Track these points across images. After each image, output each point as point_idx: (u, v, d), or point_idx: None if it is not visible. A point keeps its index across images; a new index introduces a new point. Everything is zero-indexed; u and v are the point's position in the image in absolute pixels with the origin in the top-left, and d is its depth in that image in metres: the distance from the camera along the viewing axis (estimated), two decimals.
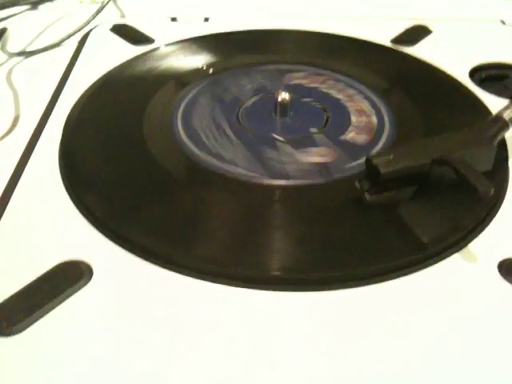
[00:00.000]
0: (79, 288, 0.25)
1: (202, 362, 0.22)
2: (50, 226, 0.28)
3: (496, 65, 0.42)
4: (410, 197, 0.29)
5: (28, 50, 0.48)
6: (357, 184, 0.29)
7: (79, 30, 0.48)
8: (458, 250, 0.27)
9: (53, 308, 0.24)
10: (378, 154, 0.29)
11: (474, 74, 0.41)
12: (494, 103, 0.37)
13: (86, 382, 0.22)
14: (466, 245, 0.27)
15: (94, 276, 0.26)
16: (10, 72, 0.45)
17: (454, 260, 0.27)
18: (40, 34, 0.50)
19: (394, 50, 0.44)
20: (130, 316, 0.24)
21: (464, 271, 0.26)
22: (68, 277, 0.25)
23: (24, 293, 0.24)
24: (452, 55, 0.43)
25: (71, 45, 0.47)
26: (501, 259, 0.26)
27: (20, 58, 0.46)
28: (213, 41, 0.45)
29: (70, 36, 0.48)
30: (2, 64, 0.46)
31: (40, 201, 0.30)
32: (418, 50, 0.44)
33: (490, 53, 0.43)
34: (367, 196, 0.29)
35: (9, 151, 0.34)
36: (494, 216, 0.29)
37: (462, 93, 0.39)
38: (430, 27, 0.47)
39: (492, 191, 0.26)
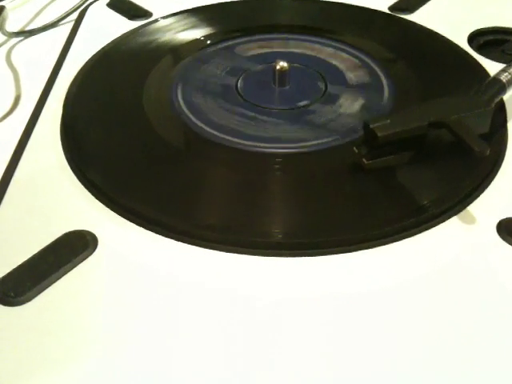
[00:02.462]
0: (85, 257, 0.25)
1: (205, 329, 0.23)
2: (54, 198, 0.29)
3: (494, 29, 0.42)
4: (407, 161, 0.29)
5: (27, 28, 0.48)
6: (355, 149, 0.29)
7: (78, 7, 0.48)
8: (456, 213, 0.27)
9: (59, 278, 0.24)
10: (376, 119, 0.29)
11: (473, 39, 0.41)
12: (492, 68, 0.36)
13: (93, 350, 0.22)
14: (464, 207, 0.27)
15: (98, 245, 0.26)
16: (9, 51, 0.45)
17: (453, 222, 0.27)
18: (39, 12, 0.50)
19: (392, 17, 0.44)
20: (134, 284, 0.24)
21: (463, 233, 0.26)
22: (74, 247, 0.25)
23: (30, 263, 0.25)
24: (451, 21, 0.43)
25: (70, 22, 0.47)
26: (499, 220, 0.27)
27: (19, 38, 0.46)
28: (210, 12, 0.45)
29: (68, 14, 0.48)
30: (2, 43, 0.46)
31: (43, 175, 0.30)
32: (417, 17, 0.44)
33: (488, 18, 0.43)
34: (365, 161, 0.29)
35: (11, 130, 0.34)
36: (492, 178, 0.29)
37: (461, 58, 0.39)
38: None
39: (488, 151, 0.26)
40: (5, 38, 0.46)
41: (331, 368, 0.21)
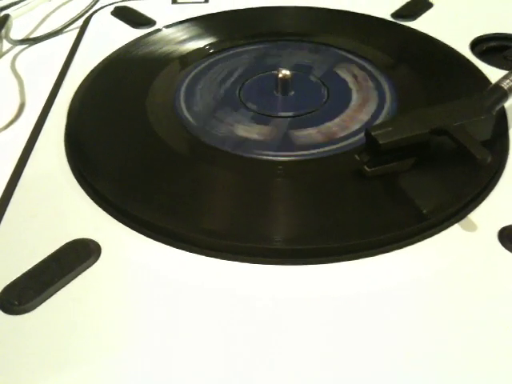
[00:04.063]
0: (88, 266, 0.25)
1: (207, 331, 0.23)
2: (58, 206, 0.29)
3: (497, 36, 0.42)
4: (409, 168, 0.29)
5: (31, 36, 0.48)
6: (357, 156, 0.29)
7: (82, 15, 0.49)
8: (458, 220, 0.27)
9: (63, 286, 0.24)
10: (377, 126, 0.29)
11: (475, 46, 0.41)
12: (494, 75, 0.36)
13: (98, 357, 0.22)
14: (466, 214, 0.27)
15: (102, 254, 0.26)
16: (14, 59, 0.45)
17: (455, 230, 0.27)
18: (43, 20, 0.51)
19: (394, 24, 0.44)
20: (137, 292, 0.24)
21: (464, 240, 0.26)
22: (77, 255, 0.26)
23: (34, 271, 0.25)
24: (453, 28, 0.43)
25: (74, 30, 0.47)
26: (500, 227, 0.27)
27: (23, 45, 0.47)
28: (213, 20, 0.45)
29: (72, 22, 0.48)
30: (7, 51, 0.46)
31: (47, 183, 0.30)
32: (419, 24, 0.44)
33: (490, 24, 0.43)
34: (367, 168, 0.29)
35: (16, 137, 0.35)
36: (494, 185, 0.29)
37: (463, 65, 0.39)
38: (431, 0, 0.47)
39: (490, 159, 0.26)
40: (10, 45, 0.46)
41: (331, 368, 0.21)
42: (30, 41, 0.47)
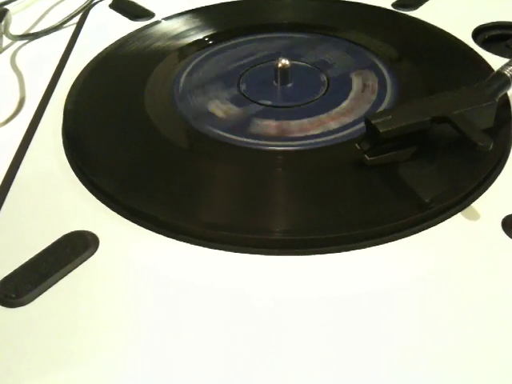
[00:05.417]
0: (86, 258, 0.25)
1: (206, 328, 0.23)
2: (55, 199, 0.29)
3: (499, 24, 0.42)
4: (410, 157, 0.29)
5: (31, 32, 0.48)
6: (357, 145, 0.29)
7: (81, 9, 0.48)
8: (461, 209, 0.27)
9: (60, 278, 0.24)
10: (377, 114, 0.29)
11: (477, 34, 0.41)
12: (497, 63, 0.36)
13: (95, 350, 0.22)
14: (469, 203, 0.27)
15: (100, 246, 0.26)
16: (13, 54, 0.45)
17: (458, 219, 0.27)
18: (42, 15, 0.51)
19: (395, 13, 0.44)
20: (135, 284, 0.24)
21: (468, 229, 0.26)
22: (74, 247, 0.25)
23: (32, 264, 0.25)
24: (455, 17, 0.43)
25: (73, 25, 0.47)
26: (504, 216, 0.26)
27: (23, 41, 0.47)
28: (212, 12, 0.45)
29: (71, 16, 0.48)
30: (6, 47, 0.46)
31: (45, 175, 0.30)
32: (421, 14, 0.43)
33: (492, 13, 0.43)
34: (367, 157, 0.29)
35: (16, 132, 0.35)
36: (498, 174, 0.29)
37: (465, 54, 0.38)
38: None
39: (491, 145, 0.26)
40: (9, 41, 0.46)
41: (331, 368, 0.21)
42: (29, 36, 0.47)
